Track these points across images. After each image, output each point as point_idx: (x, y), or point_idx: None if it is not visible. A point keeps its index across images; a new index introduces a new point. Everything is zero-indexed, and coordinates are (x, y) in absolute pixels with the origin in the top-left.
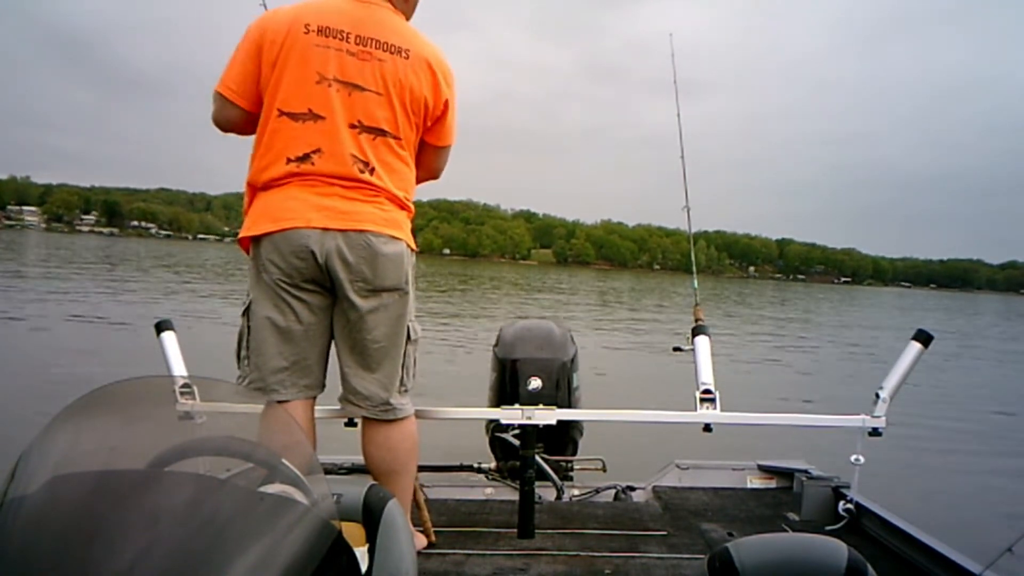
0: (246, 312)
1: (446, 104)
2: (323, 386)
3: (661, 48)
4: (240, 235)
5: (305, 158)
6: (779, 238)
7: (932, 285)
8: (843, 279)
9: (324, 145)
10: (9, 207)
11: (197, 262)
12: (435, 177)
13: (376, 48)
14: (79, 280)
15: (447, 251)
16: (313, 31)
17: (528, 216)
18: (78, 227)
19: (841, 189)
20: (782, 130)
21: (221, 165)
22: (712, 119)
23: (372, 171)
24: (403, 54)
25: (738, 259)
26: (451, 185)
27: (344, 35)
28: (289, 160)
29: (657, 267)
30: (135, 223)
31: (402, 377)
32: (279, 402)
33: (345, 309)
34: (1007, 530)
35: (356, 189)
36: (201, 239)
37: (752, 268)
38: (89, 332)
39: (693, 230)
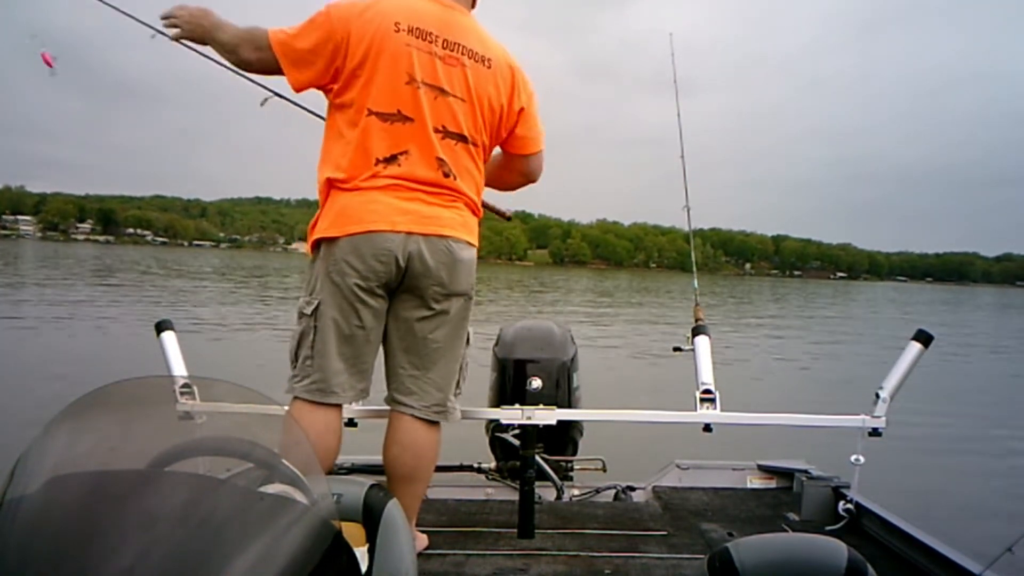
0: (314, 313)
1: (520, 113)
2: (368, 391)
3: (654, 47)
4: (316, 236)
5: (392, 159)
6: (775, 234)
7: (928, 279)
8: (839, 274)
9: (412, 148)
10: (4, 217)
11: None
12: (531, 180)
13: (462, 54)
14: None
15: None
16: (404, 30)
17: (524, 217)
18: (73, 236)
19: (836, 185)
20: (777, 126)
21: (215, 172)
22: (706, 117)
23: (454, 177)
24: (486, 63)
25: (734, 256)
26: None
27: (433, 37)
28: (377, 161)
29: (653, 265)
30: (131, 230)
31: (458, 380)
32: (335, 404)
33: (411, 310)
34: (1007, 530)
35: (438, 195)
36: (197, 245)
37: (748, 265)
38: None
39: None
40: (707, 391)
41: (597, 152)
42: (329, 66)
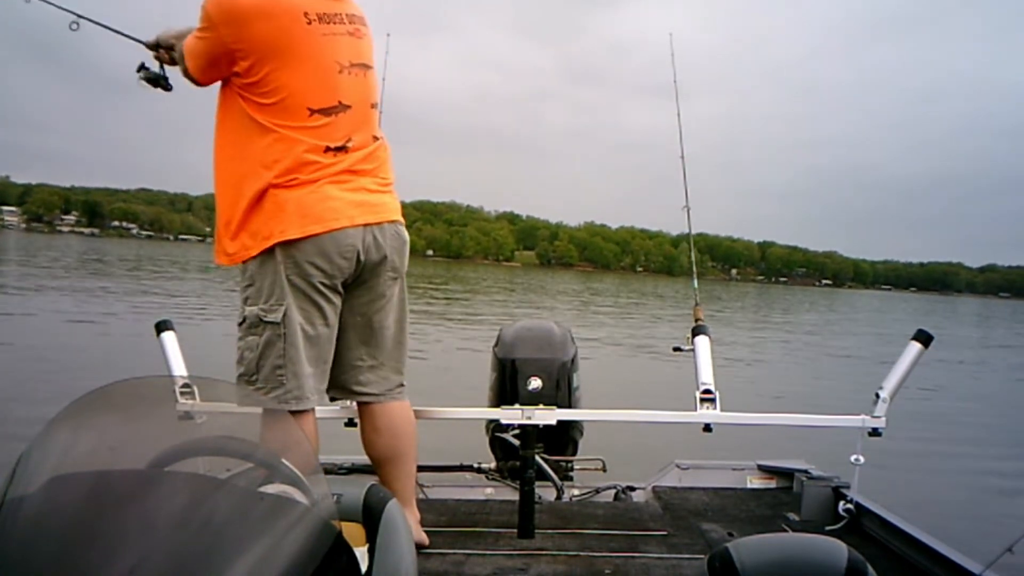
0: (281, 321)
1: None
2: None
3: (643, 51)
4: (272, 240)
5: (342, 148)
6: (761, 241)
7: (912, 288)
8: (824, 282)
9: (355, 131)
10: None
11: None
12: None
13: (359, 24)
14: None
15: (430, 252)
16: (315, 20)
17: (511, 218)
18: (58, 227)
19: (824, 193)
20: (764, 133)
21: (202, 165)
22: (694, 122)
23: (381, 145)
24: (365, 23)
25: (720, 261)
26: (434, 186)
27: (339, 17)
28: (328, 149)
29: (640, 269)
30: (116, 223)
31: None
32: (306, 411)
33: (365, 301)
34: (1007, 530)
35: (374, 178)
36: (183, 240)
37: (734, 271)
38: None
39: (677, 232)
40: (707, 391)
41: (586, 155)
42: (229, 66)
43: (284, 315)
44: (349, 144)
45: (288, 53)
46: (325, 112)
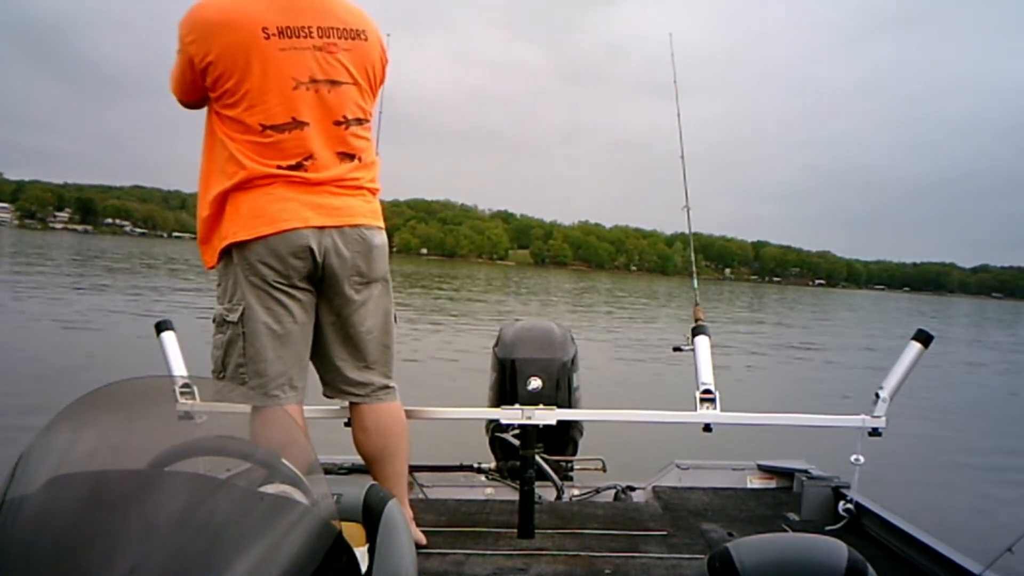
0: (240, 319)
1: (385, 68)
2: (305, 388)
3: (638, 51)
4: (227, 241)
5: (298, 166)
6: (755, 240)
7: (905, 288)
8: (818, 281)
9: (314, 150)
10: None
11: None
12: None
13: (339, 38)
14: None
15: (424, 251)
16: (274, 34)
17: (505, 217)
18: (51, 224)
19: (819, 193)
20: (763, 133)
21: (195, 163)
22: (693, 122)
23: (358, 161)
24: (362, 36)
25: (715, 261)
26: (428, 185)
27: (307, 31)
28: (280, 167)
29: (634, 268)
30: (109, 220)
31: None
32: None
33: (337, 304)
34: (1007, 530)
35: (343, 186)
36: (176, 237)
37: (728, 270)
38: None
39: (671, 232)
40: (707, 391)
41: (581, 154)
42: (202, 81)
43: (242, 315)
44: (307, 162)
45: (244, 67)
46: (277, 129)
